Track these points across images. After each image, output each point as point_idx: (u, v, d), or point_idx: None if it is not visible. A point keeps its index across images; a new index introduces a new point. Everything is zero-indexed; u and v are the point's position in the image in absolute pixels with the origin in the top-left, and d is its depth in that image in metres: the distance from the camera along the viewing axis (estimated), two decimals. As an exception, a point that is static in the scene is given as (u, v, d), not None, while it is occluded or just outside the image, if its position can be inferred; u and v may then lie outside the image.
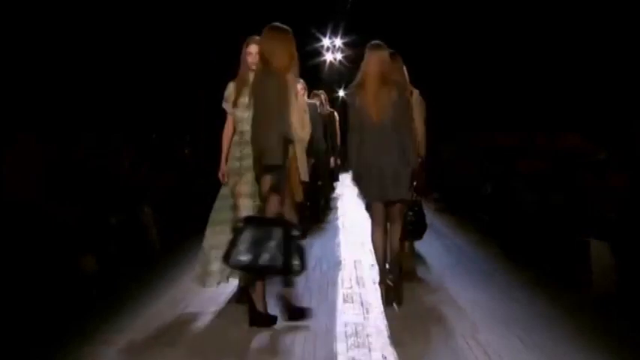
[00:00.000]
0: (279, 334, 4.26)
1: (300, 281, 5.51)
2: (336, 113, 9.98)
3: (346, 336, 4.22)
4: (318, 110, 8.60)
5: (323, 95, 9.40)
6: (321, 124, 8.55)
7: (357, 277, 5.81)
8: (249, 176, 4.62)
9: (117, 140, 7.60)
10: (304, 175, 5.52)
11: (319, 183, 8.99)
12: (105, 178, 6.43)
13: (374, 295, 5.18)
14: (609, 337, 4.13)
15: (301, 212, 7.28)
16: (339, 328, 4.35)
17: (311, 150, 6.78)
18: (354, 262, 6.55)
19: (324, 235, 8.23)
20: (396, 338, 4.15)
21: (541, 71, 10.91)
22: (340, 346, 4.04)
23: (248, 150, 4.60)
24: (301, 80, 6.61)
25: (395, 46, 5.03)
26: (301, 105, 5.82)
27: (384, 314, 4.66)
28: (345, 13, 18.80)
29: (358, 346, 4.03)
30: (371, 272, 6.06)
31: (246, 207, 4.60)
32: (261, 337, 4.20)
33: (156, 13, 11.18)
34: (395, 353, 3.91)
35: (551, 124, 9.27)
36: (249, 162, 4.59)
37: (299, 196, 5.36)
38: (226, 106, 4.82)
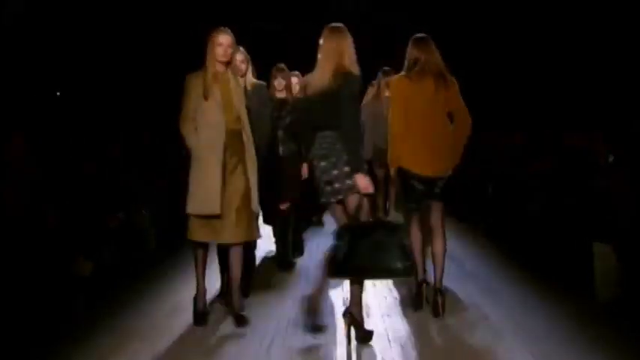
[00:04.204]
0: (278, 337, 4.20)
1: (299, 283, 5.46)
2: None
3: (346, 339, 4.16)
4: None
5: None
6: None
7: (357, 279, 5.73)
8: None
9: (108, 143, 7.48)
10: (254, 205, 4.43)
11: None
12: (98, 179, 6.35)
13: (374, 298, 5.12)
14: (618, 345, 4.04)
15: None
16: (340, 331, 4.27)
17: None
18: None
19: (324, 237, 8.14)
20: (397, 342, 4.10)
21: (546, 69, 10.84)
22: (340, 350, 3.99)
23: None
24: (241, 49, 5.01)
25: (396, 44, 4.93)
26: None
27: (384, 317, 4.62)
28: (345, 10, 18.74)
29: (358, 349, 3.98)
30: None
31: None
32: (260, 341, 4.14)
33: (155, 12, 11.12)
34: (395, 357, 3.86)
35: (557, 122, 9.14)
36: None
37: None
38: None
